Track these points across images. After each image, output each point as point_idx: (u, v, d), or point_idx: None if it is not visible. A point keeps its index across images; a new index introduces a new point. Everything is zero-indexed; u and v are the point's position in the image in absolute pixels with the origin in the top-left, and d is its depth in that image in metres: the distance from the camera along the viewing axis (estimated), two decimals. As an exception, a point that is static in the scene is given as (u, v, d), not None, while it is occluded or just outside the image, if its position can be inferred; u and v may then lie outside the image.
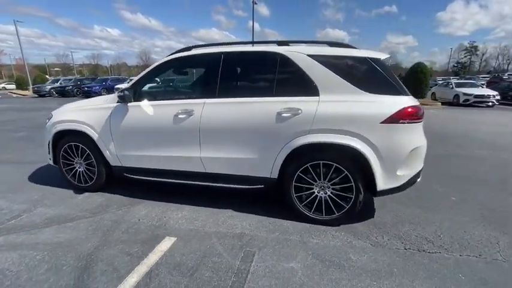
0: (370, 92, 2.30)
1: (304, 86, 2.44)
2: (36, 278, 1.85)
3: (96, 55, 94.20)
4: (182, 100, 2.77)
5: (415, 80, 14.49)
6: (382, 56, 2.45)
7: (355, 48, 2.53)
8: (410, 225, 2.51)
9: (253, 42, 2.84)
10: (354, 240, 2.28)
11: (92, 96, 16.18)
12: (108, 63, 77.23)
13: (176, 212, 2.76)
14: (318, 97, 2.37)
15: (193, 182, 2.78)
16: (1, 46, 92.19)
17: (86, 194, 3.18)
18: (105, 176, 3.14)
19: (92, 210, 2.81)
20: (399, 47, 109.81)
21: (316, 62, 2.42)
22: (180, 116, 2.65)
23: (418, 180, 2.48)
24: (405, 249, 2.15)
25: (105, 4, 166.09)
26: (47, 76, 32.53)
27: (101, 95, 17.34)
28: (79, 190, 3.24)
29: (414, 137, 2.32)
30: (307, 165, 2.41)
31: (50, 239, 2.31)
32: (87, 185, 3.21)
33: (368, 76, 2.42)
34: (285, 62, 2.49)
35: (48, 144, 3.23)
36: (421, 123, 2.39)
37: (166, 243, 2.22)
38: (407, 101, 2.27)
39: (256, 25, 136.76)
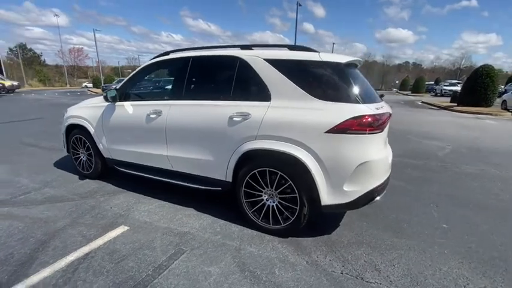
0: (321, 99, 2.15)
1: (258, 90, 2.40)
2: (8, 244, 2.25)
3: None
4: (155, 101, 2.99)
5: (480, 85, 12.40)
6: (344, 59, 2.25)
7: (316, 51, 2.38)
8: (367, 248, 2.24)
9: (217, 47, 2.89)
10: (291, 254, 2.14)
11: None
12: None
13: (145, 205, 2.99)
14: (269, 102, 2.31)
15: (163, 179, 2.97)
16: (87, 51, 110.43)
17: (86, 180, 3.67)
18: (100, 166, 3.58)
19: (82, 194, 3.24)
20: (477, 47, 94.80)
21: (271, 67, 2.36)
22: (151, 116, 2.87)
23: (378, 198, 2.20)
24: (341, 273, 1.94)
25: (172, 12, 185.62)
26: (114, 77, 37.59)
27: None
28: (82, 176, 3.76)
29: (365, 149, 2.07)
30: (255, 171, 2.36)
31: (36, 214, 2.75)
32: (88, 172, 3.70)
33: (323, 81, 2.27)
34: (243, 66, 2.48)
35: (63, 135, 3.83)
36: (379, 134, 2.12)
37: (117, 231, 2.45)
38: (361, 110, 2.05)
39: (311, 26, 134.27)
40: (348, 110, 2.05)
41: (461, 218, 2.76)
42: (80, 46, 56.45)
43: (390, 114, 2.35)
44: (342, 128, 2.01)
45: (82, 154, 3.71)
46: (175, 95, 2.94)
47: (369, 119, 2.03)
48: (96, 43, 35.21)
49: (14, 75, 37.79)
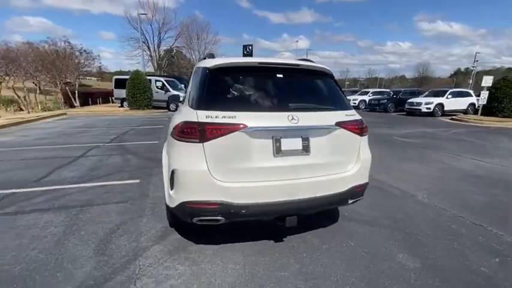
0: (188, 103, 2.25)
1: None
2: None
3: (372, 70, 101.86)
4: None
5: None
6: (212, 63, 2.18)
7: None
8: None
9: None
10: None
11: None
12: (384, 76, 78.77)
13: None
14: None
15: None
16: None
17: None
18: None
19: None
20: None
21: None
22: None
23: (207, 218, 2.01)
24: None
25: (404, 19, 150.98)
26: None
27: None
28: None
29: (178, 156, 2.01)
30: None
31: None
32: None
33: (194, 86, 2.34)
34: None
35: None
36: (195, 144, 1.91)
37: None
38: (188, 116, 2.00)
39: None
40: (186, 115, 2.04)
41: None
42: None
43: (244, 126, 1.90)
44: (173, 132, 2.06)
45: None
46: None
47: (181, 126, 1.97)
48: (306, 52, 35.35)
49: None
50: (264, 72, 2.24)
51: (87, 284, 1.89)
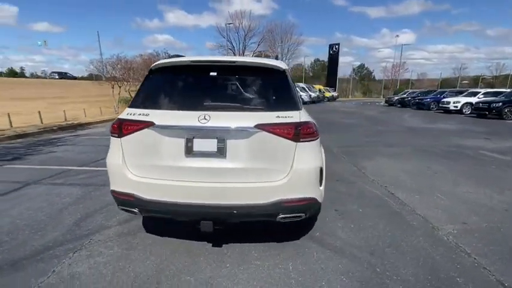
0: None
1: None
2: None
3: (502, 65, 64.61)
4: None
5: None
6: (159, 64, 2.25)
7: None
8: None
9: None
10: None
11: (420, 108, 19.65)
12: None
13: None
14: None
15: None
16: (422, 63, 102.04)
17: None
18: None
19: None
20: None
21: None
22: None
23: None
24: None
25: None
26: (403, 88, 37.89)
27: (429, 107, 19.13)
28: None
29: (109, 149, 2.17)
30: None
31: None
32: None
33: None
34: None
35: None
36: (114, 138, 2.10)
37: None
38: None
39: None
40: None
41: None
42: (403, 61, 61.09)
43: (152, 123, 1.94)
44: None
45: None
46: None
47: (114, 122, 2.12)
48: (400, 55, 40.37)
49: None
50: (197, 71, 2.21)
51: (46, 244, 2.36)
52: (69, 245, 2.36)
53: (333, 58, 50.27)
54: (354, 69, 68.11)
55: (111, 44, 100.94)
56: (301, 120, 1.97)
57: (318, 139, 2.12)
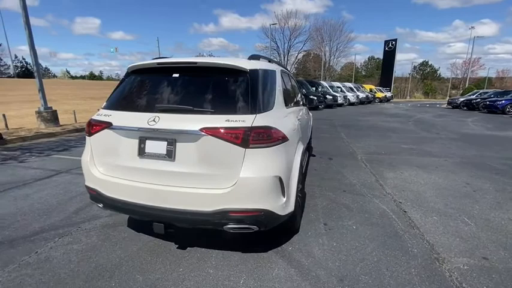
0: None
1: None
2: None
3: None
4: None
5: None
6: (135, 66, 2.34)
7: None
8: None
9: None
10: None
11: (493, 111, 16.50)
12: None
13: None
14: None
15: None
16: (502, 59, 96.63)
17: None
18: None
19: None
20: None
21: None
22: None
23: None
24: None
25: None
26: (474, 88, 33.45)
27: (504, 110, 16.22)
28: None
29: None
30: None
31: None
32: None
33: None
34: None
35: None
36: (88, 137, 2.25)
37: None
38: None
39: None
40: None
41: None
42: (478, 57, 54.53)
43: (109, 124, 2.06)
44: None
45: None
46: None
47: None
48: (472, 48, 34.71)
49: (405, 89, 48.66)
50: (162, 73, 2.23)
51: (43, 228, 2.68)
52: (60, 230, 2.64)
53: (389, 55, 45.98)
54: (414, 67, 61.25)
55: (173, 49, 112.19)
56: (255, 124, 1.82)
57: (281, 145, 1.95)
